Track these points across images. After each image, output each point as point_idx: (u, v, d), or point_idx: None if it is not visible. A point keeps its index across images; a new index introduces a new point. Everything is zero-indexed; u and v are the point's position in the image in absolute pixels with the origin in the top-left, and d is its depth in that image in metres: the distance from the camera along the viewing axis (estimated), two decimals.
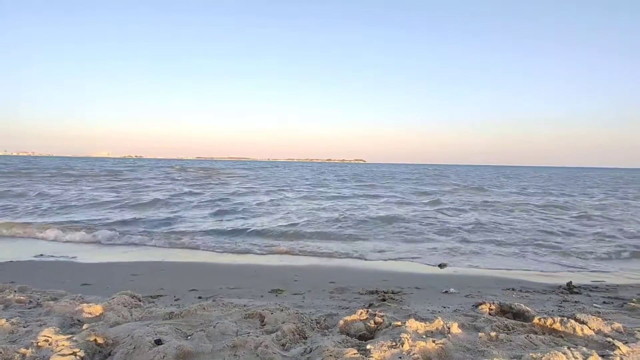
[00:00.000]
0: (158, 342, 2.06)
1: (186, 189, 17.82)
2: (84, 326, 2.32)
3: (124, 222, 9.00)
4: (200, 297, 3.65)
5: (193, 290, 4.04)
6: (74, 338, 2.11)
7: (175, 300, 3.56)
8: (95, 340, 2.13)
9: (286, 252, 6.61)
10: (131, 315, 2.57)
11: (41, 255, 5.84)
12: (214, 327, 2.31)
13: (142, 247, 6.80)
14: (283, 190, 19.74)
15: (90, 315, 2.56)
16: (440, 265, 5.93)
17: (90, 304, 2.68)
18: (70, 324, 2.47)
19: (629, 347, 2.04)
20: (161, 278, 4.67)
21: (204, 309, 2.69)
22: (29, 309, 2.76)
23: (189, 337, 2.21)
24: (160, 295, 3.73)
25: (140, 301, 3.01)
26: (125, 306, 2.73)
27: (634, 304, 3.04)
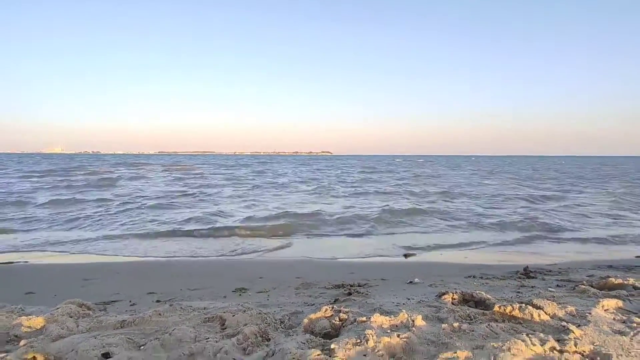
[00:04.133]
0: (105, 355, 1.90)
1: None
2: (22, 342, 2.09)
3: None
4: (158, 301, 3.45)
5: (151, 293, 3.82)
6: (8, 357, 1.90)
7: (131, 305, 3.34)
8: (34, 357, 1.93)
9: None
10: (77, 326, 2.35)
11: None
12: (170, 334, 2.16)
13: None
14: None
15: (29, 330, 2.32)
16: (406, 255, 6.03)
17: (31, 317, 2.43)
18: (6, 340, 2.23)
19: (581, 330, 2.12)
20: (116, 281, 4.38)
21: (160, 314, 2.52)
22: None
23: (142, 348, 2.05)
24: (115, 301, 3.49)
25: (89, 310, 2.78)
26: (71, 317, 2.50)
27: (584, 286, 3.21)
